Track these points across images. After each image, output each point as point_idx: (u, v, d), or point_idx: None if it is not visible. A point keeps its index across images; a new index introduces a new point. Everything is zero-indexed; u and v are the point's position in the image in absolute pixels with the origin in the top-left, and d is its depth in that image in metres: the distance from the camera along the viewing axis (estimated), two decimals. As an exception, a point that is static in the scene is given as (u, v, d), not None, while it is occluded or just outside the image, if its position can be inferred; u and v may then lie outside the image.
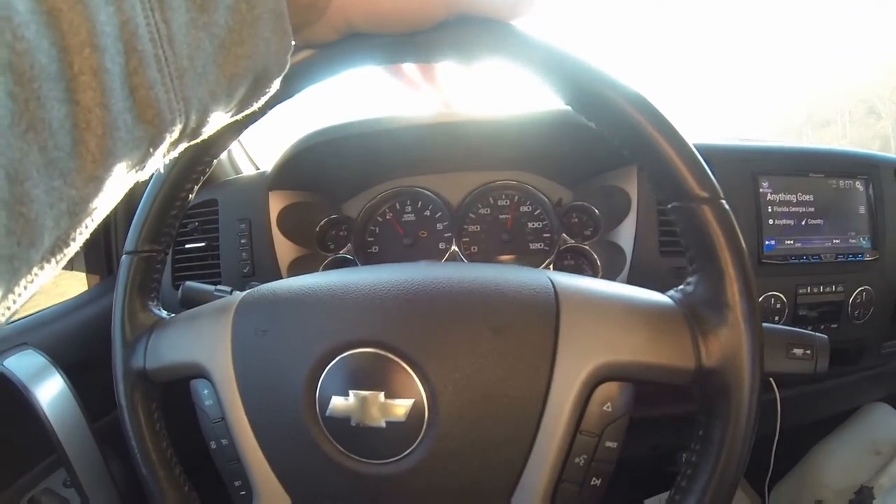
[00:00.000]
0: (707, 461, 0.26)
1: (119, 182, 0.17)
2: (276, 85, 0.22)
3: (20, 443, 0.51)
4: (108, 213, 0.18)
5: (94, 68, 0.15)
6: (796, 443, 0.86)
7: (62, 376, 0.53)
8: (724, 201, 0.26)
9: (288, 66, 0.22)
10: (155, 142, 0.17)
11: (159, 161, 0.19)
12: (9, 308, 0.15)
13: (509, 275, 0.31)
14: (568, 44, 0.27)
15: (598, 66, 0.26)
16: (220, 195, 0.67)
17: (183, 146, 0.20)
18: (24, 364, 0.51)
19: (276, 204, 0.65)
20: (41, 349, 0.54)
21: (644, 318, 0.28)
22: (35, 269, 0.15)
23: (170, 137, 0.18)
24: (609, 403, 0.28)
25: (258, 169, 0.84)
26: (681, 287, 0.29)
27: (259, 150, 0.85)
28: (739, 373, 0.26)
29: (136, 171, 0.18)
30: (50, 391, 0.51)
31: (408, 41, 0.26)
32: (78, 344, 0.61)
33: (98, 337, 0.61)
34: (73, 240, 0.16)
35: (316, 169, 0.65)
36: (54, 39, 0.14)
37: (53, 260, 0.15)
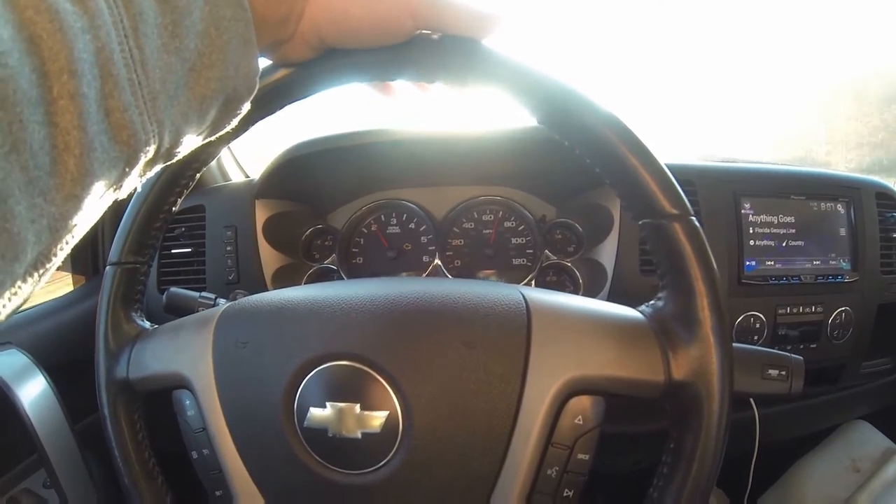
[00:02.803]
0: (678, 472, 0.27)
1: (97, 200, 0.18)
2: (246, 106, 0.23)
3: (0, 442, 0.51)
4: (87, 230, 0.18)
5: (72, 93, 0.15)
6: (777, 459, 0.87)
7: (45, 376, 0.53)
8: (693, 218, 0.27)
9: (257, 88, 0.23)
10: (131, 162, 0.18)
11: (136, 181, 0.20)
12: None
13: (482, 290, 0.32)
14: (541, 59, 0.27)
15: (569, 84, 0.27)
16: (208, 201, 0.67)
17: (159, 167, 0.21)
18: (6, 363, 0.52)
19: (262, 212, 0.65)
20: (24, 349, 0.55)
21: (614, 332, 0.29)
22: (18, 283, 0.15)
23: (144, 157, 0.19)
24: (580, 416, 0.29)
25: (247, 176, 0.84)
26: (651, 302, 0.30)
27: (251, 154, 0.86)
28: (709, 386, 0.26)
29: (114, 191, 0.19)
30: (32, 391, 0.51)
31: (377, 59, 0.27)
32: (61, 344, 0.61)
33: (81, 338, 0.61)
34: (55, 255, 0.17)
35: (303, 179, 0.66)
36: (35, 66, 0.15)
37: (36, 274, 0.16)
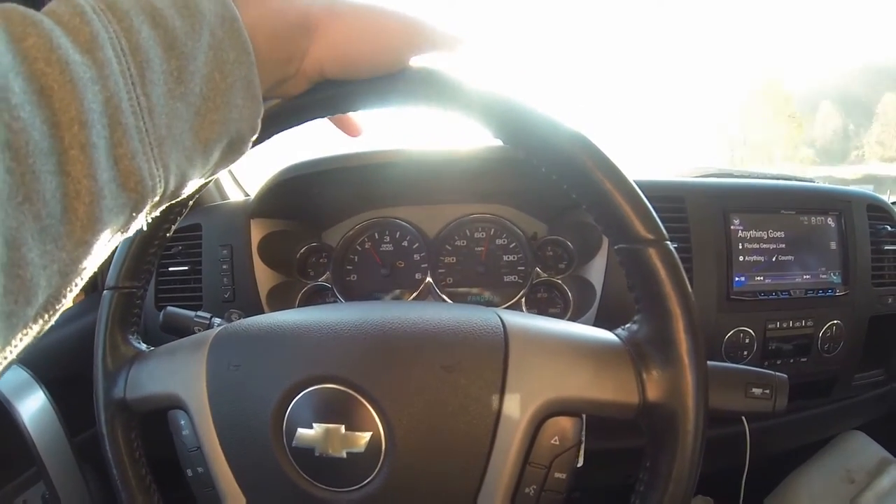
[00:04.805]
0: (654, 492, 0.27)
1: (105, 244, 0.18)
2: (248, 147, 0.23)
3: (0, 456, 0.52)
4: (95, 270, 0.19)
5: (83, 143, 0.16)
6: (773, 469, 0.87)
7: (44, 391, 0.54)
8: (668, 242, 0.27)
9: (259, 129, 0.23)
10: (138, 206, 0.19)
11: (141, 221, 0.20)
12: (6, 358, 0.16)
13: (461, 314, 0.33)
14: (519, 82, 0.27)
15: (541, 110, 0.27)
16: (204, 220, 0.68)
17: (163, 206, 0.21)
18: (6, 378, 0.53)
19: (257, 231, 0.66)
20: (24, 364, 0.56)
21: (590, 355, 0.29)
22: (30, 324, 0.16)
23: (151, 202, 0.19)
24: (557, 437, 0.30)
25: (246, 193, 0.85)
26: (627, 325, 0.31)
27: (251, 168, 0.86)
28: (684, 405, 0.27)
29: (121, 233, 0.19)
30: (32, 406, 0.53)
31: (371, 89, 0.28)
32: (60, 360, 0.62)
33: (80, 353, 0.62)
34: (64, 297, 0.17)
35: (297, 199, 0.66)
36: (46, 117, 0.15)
37: (46, 315, 0.17)
